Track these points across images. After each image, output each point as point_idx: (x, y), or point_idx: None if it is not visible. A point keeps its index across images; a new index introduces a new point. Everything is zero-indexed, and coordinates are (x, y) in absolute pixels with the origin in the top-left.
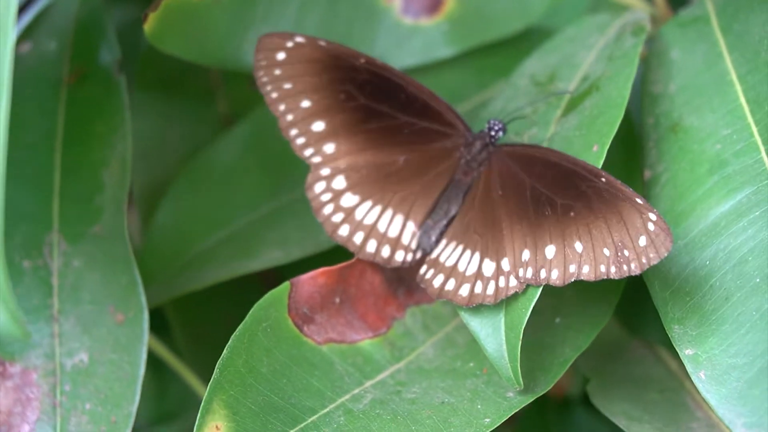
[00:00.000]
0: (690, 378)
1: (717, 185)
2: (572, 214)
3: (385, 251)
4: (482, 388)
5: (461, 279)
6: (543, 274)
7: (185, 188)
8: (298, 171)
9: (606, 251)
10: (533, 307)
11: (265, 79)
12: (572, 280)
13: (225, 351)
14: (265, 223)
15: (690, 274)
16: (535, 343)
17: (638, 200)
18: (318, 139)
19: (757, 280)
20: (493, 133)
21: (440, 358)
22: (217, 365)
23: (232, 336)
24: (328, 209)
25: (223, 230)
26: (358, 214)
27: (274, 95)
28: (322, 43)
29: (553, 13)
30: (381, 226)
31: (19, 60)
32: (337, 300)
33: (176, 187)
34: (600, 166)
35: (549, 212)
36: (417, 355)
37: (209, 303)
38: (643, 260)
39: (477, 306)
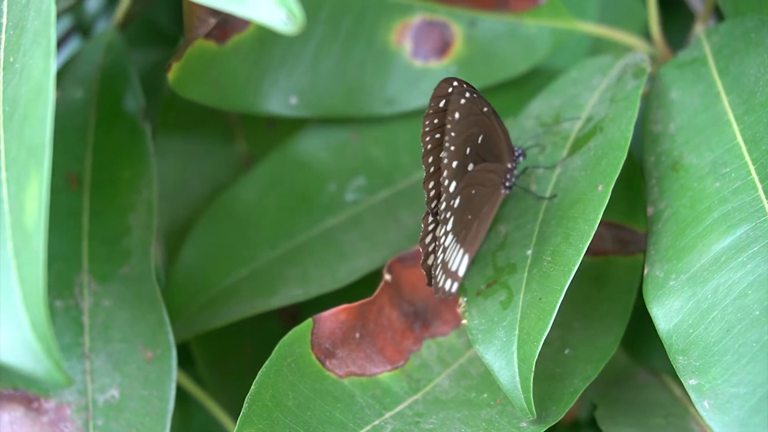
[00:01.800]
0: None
1: (717, 222)
2: None
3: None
4: (496, 418)
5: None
6: None
7: (208, 228)
8: (314, 210)
9: None
10: (543, 340)
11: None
12: None
13: (253, 386)
14: (284, 260)
15: (693, 307)
16: (546, 374)
17: None
18: None
19: (757, 312)
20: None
21: (455, 389)
22: (246, 400)
23: (260, 372)
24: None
25: (245, 268)
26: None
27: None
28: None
29: (556, 54)
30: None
31: None
32: (357, 335)
33: (199, 226)
34: (605, 205)
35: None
36: (433, 387)
37: (230, 336)
38: None
39: (491, 339)
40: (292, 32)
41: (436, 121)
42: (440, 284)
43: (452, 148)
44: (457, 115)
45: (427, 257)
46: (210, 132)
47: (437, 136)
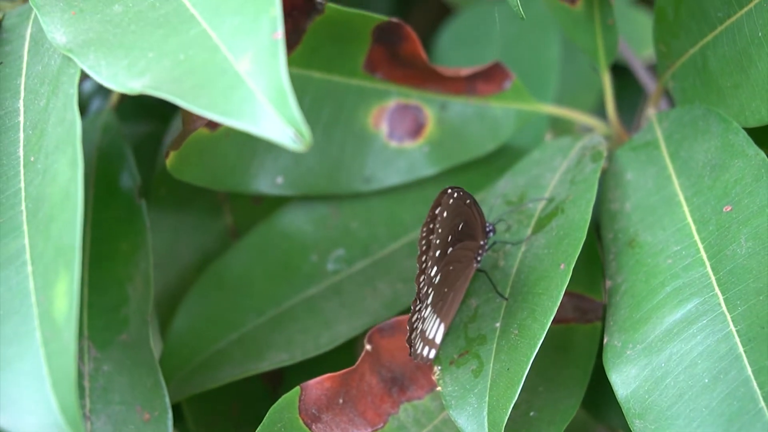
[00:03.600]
0: None
1: (669, 296)
2: None
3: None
4: None
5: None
6: None
7: (199, 295)
8: (298, 279)
9: None
10: (512, 406)
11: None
12: None
13: None
14: (271, 327)
15: (648, 374)
16: None
17: None
18: None
19: (706, 380)
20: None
21: None
22: None
23: None
24: None
25: (234, 333)
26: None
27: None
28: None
29: (519, 133)
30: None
31: None
32: (341, 401)
33: (191, 294)
34: (566, 283)
35: None
36: None
37: (218, 396)
38: None
39: (463, 405)
40: (301, 150)
41: (431, 226)
42: (419, 351)
43: (437, 241)
44: (445, 214)
45: (411, 332)
46: (199, 206)
47: (430, 237)
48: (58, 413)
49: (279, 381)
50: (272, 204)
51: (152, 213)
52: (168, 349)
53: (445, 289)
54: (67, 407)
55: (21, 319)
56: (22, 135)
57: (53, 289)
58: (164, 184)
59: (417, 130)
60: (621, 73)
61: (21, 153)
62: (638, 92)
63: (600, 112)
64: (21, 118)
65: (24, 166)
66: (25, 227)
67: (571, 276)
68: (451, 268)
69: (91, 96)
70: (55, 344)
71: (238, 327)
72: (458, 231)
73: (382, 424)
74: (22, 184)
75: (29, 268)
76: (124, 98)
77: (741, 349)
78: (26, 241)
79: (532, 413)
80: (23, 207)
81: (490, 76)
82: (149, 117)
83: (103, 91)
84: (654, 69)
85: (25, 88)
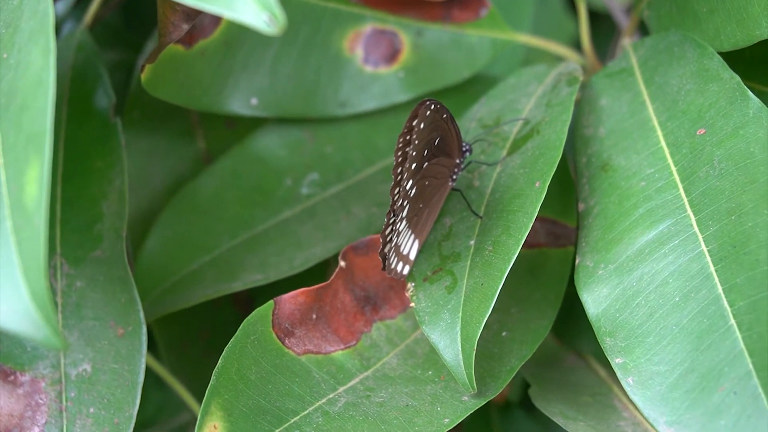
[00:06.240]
0: (617, 384)
1: (642, 217)
2: None
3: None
4: (440, 392)
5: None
6: None
7: (172, 217)
8: (272, 203)
9: None
10: (485, 321)
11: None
12: None
13: (220, 360)
14: (244, 248)
15: (619, 293)
16: (485, 353)
17: None
18: None
19: (677, 299)
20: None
21: (403, 367)
22: (213, 373)
23: (226, 347)
24: None
25: (207, 255)
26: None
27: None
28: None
29: (494, 63)
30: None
31: None
32: (314, 316)
33: (164, 216)
34: (541, 200)
35: None
36: (382, 365)
37: (189, 321)
38: None
39: (436, 321)
40: (275, 33)
41: (408, 138)
42: (392, 266)
43: (414, 153)
44: (422, 125)
45: (384, 246)
46: (171, 130)
47: (407, 149)
48: (28, 300)
49: (250, 308)
50: (245, 129)
51: (125, 136)
52: (140, 271)
53: (420, 205)
54: (38, 293)
55: None
56: None
57: (24, 176)
58: (137, 108)
59: (392, 55)
60: (599, 18)
61: None
62: (609, 31)
63: (574, 47)
64: None
65: None
66: None
67: (544, 201)
68: (426, 183)
69: (63, 20)
70: (25, 231)
71: (211, 249)
72: (434, 146)
73: (354, 342)
74: None
75: (0, 160)
76: (96, 22)
77: (712, 269)
78: None
79: (504, 333)
80: None
81: (466, 4)
82: (120, 45)
83: (76, 13)
84: (630, 12)
85: None
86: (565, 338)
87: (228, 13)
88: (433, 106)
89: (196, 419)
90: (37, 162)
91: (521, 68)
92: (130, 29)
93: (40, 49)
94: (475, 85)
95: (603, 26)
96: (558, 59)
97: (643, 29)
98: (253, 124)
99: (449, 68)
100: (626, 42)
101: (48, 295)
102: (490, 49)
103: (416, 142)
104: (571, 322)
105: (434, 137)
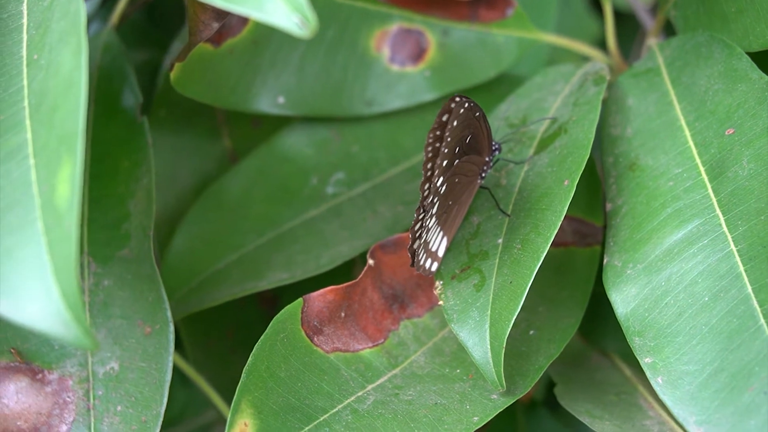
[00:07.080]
0: (642, 382)
1: (670, 217)
2: None
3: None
4: (469, 391)
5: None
6: None
7: (198, 216)
8: (298, 201)
9: None
10: (514, 319)
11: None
12: None
13: (250, 358)
14: (270, 247)
15: (648, 293)
16: (513, 352)
17: None
18: None
19: (706, 298)
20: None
21: (430, 365)
22: (244, 371)
23: (256, 345)
24: None
25: (234, 253)
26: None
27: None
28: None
29: (519, 63)
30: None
31: None
32: (343, 314)
33: (190, 215)
34: (570, 199)
35: None
36: (410, 363)
37: (214, 320)
38: None
39: (465, 319)
40: (307, 36)
41: (438, 133)
42: (421, 262)
43: (446, 150)
44: (455, 123)
45: (413, 242)
46: (198, 129)
47: (437, 145)
48: (59, 300)
49: (275, 306)
50: (271, 128)
51: (151, 135)
52: (166, 269)
53: (450, 202)
54: (69, 294)
55: (23, 209)
56: (25, 36)
57: (56, 177)
58: (163, 107)
59: (419, 54)
60: (622, 18)
61: (24, 53)
62: (634, 31)
63: (599, 47)
64: (24, 20)
65: (27, 65)
66: (27, 122)
67: (572, 200)
68: (456, 180)
69: (90, 20)
70: (56, 232)
71: (238, 248)
72: (466, 144)
73: (382, 340)
74: (25, 82)
75: (31, 161)
76: (123, 22)
77: (741, 268)
78: (28, 135)
79: (531, 332)
80: (26, 103)
81: (493, 3)
82: (146, 44)
83: (102, 13)
84: (654, 12)
85: None
86: (589, 337)
87: (259, 15)
88: (467, 104)
89: (221, 417)
90: (69, 162)
91: (548, 67)
92: (156, 28)
93: (72, 50)
94: (501, 85)
95: (626, 26)
96: (583, 59)
97: (668, 29)
98: (278, 123)
99: (475, 67)
100: (652, 42)
101: (79, 296)
102: (516, 48)
103: (449, 139)
104: (596, 321)
105: (466, 135)
